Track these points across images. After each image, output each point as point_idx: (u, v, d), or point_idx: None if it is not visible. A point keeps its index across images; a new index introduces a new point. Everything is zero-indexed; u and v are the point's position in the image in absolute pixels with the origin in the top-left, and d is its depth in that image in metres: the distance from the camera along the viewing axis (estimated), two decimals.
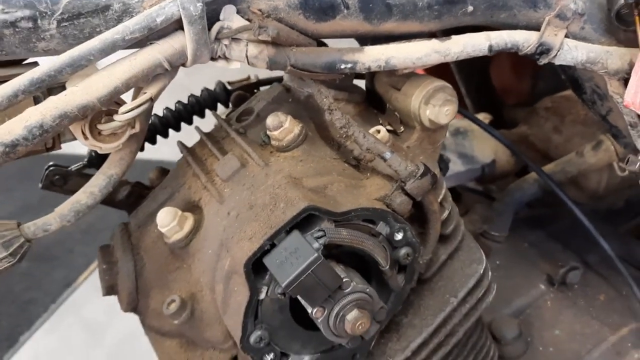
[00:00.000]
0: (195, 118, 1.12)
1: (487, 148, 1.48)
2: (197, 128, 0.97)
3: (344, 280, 0.71)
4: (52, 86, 0.69)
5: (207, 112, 1.12)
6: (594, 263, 1.31)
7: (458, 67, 1.56)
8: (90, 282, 2.87)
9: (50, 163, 0.97)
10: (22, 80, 0.63)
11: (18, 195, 3.49)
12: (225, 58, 0.75)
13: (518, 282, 1.27)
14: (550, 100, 1.51)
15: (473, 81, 1.63)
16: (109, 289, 0.89)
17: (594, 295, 1.24)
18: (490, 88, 1.68)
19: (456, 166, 1.44)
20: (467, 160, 1.46)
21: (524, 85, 1.79)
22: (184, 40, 0.70)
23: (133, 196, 0.98)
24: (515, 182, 1.36)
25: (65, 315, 2.69)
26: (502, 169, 1.51)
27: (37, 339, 2.58)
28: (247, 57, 0.74)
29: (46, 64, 0.64)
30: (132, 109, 0.70)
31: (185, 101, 1.11)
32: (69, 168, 0.98)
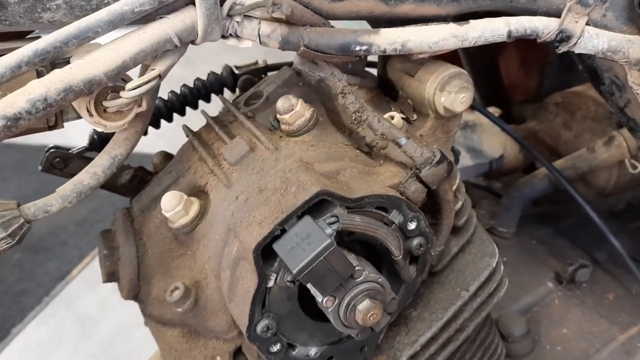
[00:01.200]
0: (201, 103, 1.09)
1: (495, 142, 1.45)
2: (204, 112, 0.94)
3: (357, 268, 0.69)
4: (56, 60, 0.66)
5: (213, 97, 1.09)
6: (602, 261, 1.30)
7: (468, 59, 1.53)
8: (84, 275, 2.84)
9: (51, 145, 0.94)
10: (26, 51, 0.60)
11: (13, 186, 3.45)
12: (237, 36, 0.72)
13: (526, 279, 1.25)
14: (560, 95, 1.49)
15: (482, 75, 1.61)
16: (110, 276, 0.86)
17: (603, 293, 1.22)
18: (500, 82, 1.66)
19: (464, 160, 1.42)
20: (476, 155, 1.43)
21: (532, 81, 1.77)
22: (194, 16, 0.67)
23: (135, 181, 0.96)
24: (525, 177, 1.34)
25: (57, 308, 2.66)
26: (510, 164, 1.49)
27: (29, 332, 2.55)
28: (259, 35, 0.71)
29: (52, 35, 0.61)
30: (139, 86, 0.67)
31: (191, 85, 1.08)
32: (70, 150, 0.95)
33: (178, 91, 1.07)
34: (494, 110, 1.52)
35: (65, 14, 0.64)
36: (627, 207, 1.57)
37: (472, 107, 1.23)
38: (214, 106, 1.03)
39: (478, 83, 1.61)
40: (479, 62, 1.57)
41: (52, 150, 0.93)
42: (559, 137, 1.44)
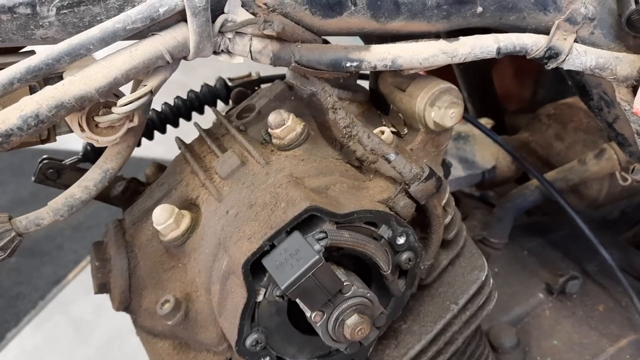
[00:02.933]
0: (194, 115, 1.10)
1: (488, 153, 1.46)
2: (196, 124, 0.95)
3: (345, 284, 0.70)
4: (49, 76, 0.67)
5: (207, 109, 1.10)
6: (593, 272, 1.30)
7: (461, 70, 1.54)
8: (80, 279, 2.84)
9: (44, 156, 0.94)
10: (18, 68, 0.61)
11: (10, 189, 3.45)
12: (228, 52, 0.73)
13: (516, 290, 1.25)
14: (552, 107, 1.50)
15: (475, 86, 1.62)
16: (101, 287, 0.87)
17: (593, 305, 1.23)
18: (493, 93, 1.67)
19: (456, 171, 1.42)
20: (468, 166, 1.44)
21: (525, 92, 1.78)
22: (186, 33, 0.68)
23: (128, 192, 0.96)
24: (517, 188, 1.34)
25: (53, 313, 2.65)
26: (503, 175, 1.49)
27: (24, 336, 2.54)
28: (250, 51, 0.72)
29: (44, 52, 0.62)
30: (131, 102, 0.68)
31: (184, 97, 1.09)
32: (63, 162, 0.95)
33: (173, 97, 1.08)
34: (486, 122, 1.53)
35: (58, 31, 0.65)
36: (621, 215, 1.58)
37: (465, 119, 1.24)
38: (207, 119, 1.04)
39: (471, 94, 1.62)
40: (472, 73, 1.58)
41: (45, 161, 0.93)
42: (551, 148, 1.45)
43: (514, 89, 1.80)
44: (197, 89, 1.11)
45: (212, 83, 1.11)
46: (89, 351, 2.44)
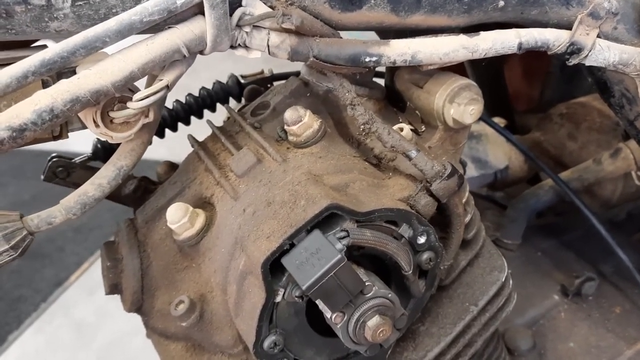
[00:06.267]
0: (206, 113, 1.08)
1: (500, 153, 1.44)
2: (209, 122, 0.93)
3: (367, 284, 0.68)
4: (63, 70, 0.65)
5: (219, 106, 1.08)
6: (608, 274, 1.28)
7: (473, 69, 1.52)
8: (82, 282, 2.82)
9: (54, 154, 0.92)
10: (32, 60, 0.59)
11: (10, 191, 3.43)
12: (246, 46, 0.71)
13: (531, 292, 1.23)
14: (564, 106, 1.49)
15: (487, 84, 1.60)
16: (112, 288, 0.85)
17: (610, 307, 1.21)
18: (505, 92, 1.65)
19: (469, 171, 1.41)
20: (481, 165, 1.43)
21: (534, 92, 1.77)
22: (204, 26, 0.66)
23: (140, 191, 0.94)
24: (531, 188, 1.33)
25: (54, 315, 2.63)
26: (515, 175, 1.48)
27: (26, 338, 2.52)
28: (268, 46, 0.70)
29: (59, 45, 0.60)
30: (147, 96, 0.66)
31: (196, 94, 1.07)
32: (73, 160, 0.93)
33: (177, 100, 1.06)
34: (499, 121, 1.51)
35: (73, 24, 0.63)
36: (628, 217, 1.56)
37: (479, 118, 1.23)
38: (217, 117, 1.02)
39: (483, 93, 1.60)
40: (485, 72, 1.56)
41: (54, 159, 0.91)
42: (563, 148, 1.43)
43: (522, 89, 1.79)
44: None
45: (227, 78, 1.09)
46: (91, 354, 2.42)
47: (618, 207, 1.46)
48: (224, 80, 1.09)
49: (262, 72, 1.09)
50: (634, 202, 1.47)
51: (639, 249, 1.34)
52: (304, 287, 0.63)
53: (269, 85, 1.08)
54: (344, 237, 0.66)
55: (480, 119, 1.23)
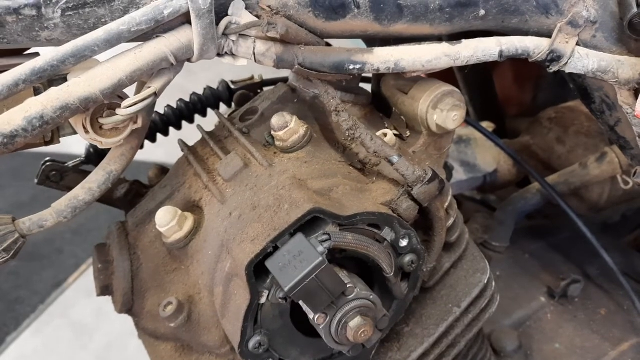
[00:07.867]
0: (197, 118, 1.10)
1: (489, 157, 1.46)
2: (199, 126, 0.95)
3: (348, 286, 0.70)
4: (53, 77, 0.67)
5: (209, 111, 1.10)
6: (594, 276, 1.30)
7: (462, 73, 1.54)
8: (80, 283, 2.83)
9: (47, 158, 0.94)
10: (23, 69, 0.61)
11: (10, 193, 3.44)
12: (232, 54, 0.73)
13: (518, 294, 1.25)
14: (553, 110, 1.50)
15: (476, 89, 1.62)
16: (104, 289, 0.87)
17: (595, 309, 1.23)
18: (494, 97, 1.67)
19: (458, 174, 1.43)
20: (470, 169, 1.45)
21: (526, 96, 1.79)
22: (190, 35, 0.68)
23: (131, 194, 0.96)
24: (518, 191, 1.35)
25: (53, 317, 2.65)
26: (504, 178, 1.50)
27: (24, 340, 2.54)
28: (254, 54, 0.72)
29: (49, 54, 0.62)
30: (135, 103, 0.68)
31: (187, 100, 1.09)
32: (66, 164, 0.95)
33: (175, 101, 1.08)
34: (487, 125, 1.53)
35: (63, 33, 0.65)
36: (622, 219, 1.58)
37: (466, 122, 1.25)
38: (209, 121, 1.04)
39: (472, 97, 1.62)
40: (473, 77, 1.58)
41: (48, 163, 0.93)
42: (552, 152, 1.45)
43: (514, 94, 1.81)
44: (199, 92, 1.11)
45: (214, 86, 1.11)
46: (89, 355, 2.43)
47: (612, 209, 1.48)
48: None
49: (252, 78, 1.11)
50: (627, 204, 1.48)
51: (626, 252, 1.36)
52: (286, 289, 0.65)
53: (259, 91, 1.10)
54: (325, 240, 0.68)
55: (469, 123, 1.25)
